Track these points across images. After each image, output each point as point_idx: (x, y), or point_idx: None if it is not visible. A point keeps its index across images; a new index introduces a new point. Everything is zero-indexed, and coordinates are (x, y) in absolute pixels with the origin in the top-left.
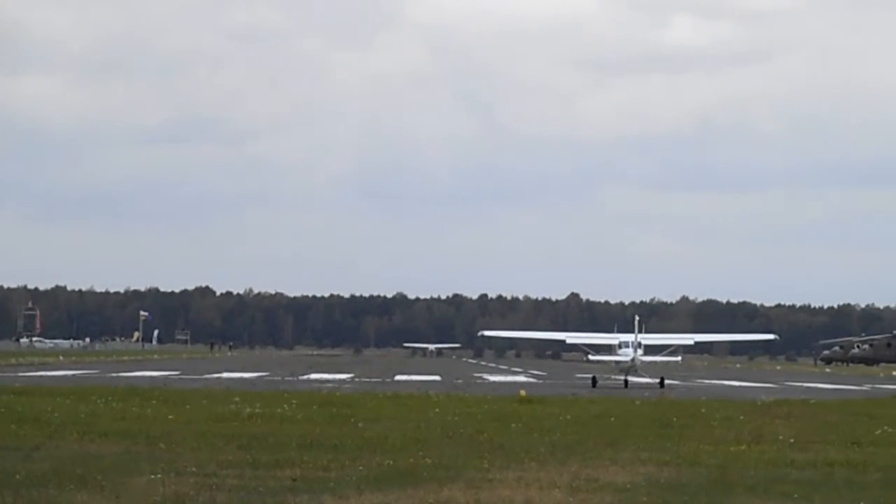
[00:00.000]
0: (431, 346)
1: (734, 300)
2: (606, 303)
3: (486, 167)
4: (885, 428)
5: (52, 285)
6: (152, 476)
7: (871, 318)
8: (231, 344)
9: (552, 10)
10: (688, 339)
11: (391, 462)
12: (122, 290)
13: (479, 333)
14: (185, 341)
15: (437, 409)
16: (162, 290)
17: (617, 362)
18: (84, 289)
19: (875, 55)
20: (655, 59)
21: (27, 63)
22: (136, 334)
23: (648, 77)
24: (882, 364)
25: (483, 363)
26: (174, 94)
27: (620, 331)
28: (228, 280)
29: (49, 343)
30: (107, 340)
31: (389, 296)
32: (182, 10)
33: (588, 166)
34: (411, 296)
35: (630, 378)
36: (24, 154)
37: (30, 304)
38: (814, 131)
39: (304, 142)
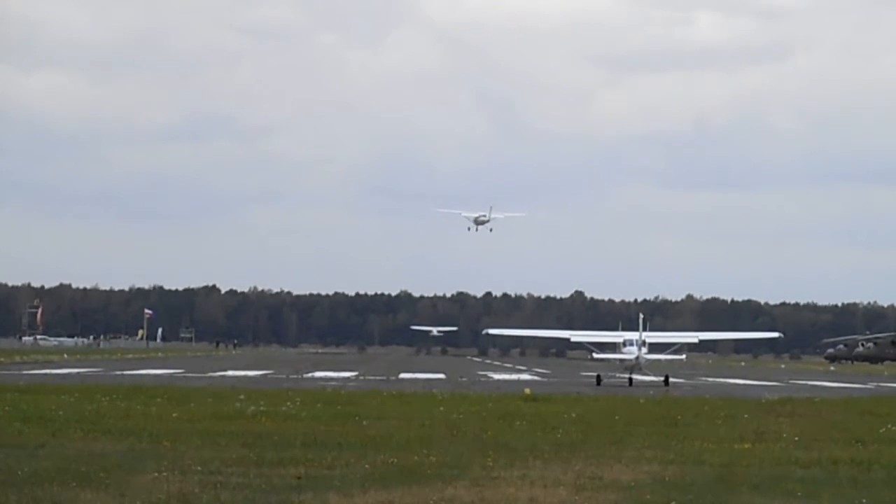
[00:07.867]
0: (434, 330)
1: (739, 298)
2: (611, 301)
3: (495, 165)
4: (890, 426)
5: (57, 283)
6: (156, 474)
7: (875, 317)
8: (235, 342)
9: (568, 6)
10: (692, 337)
11: (396, 460)
12: (126, 288)
13: (484, 332)
14: (190, 339)
15: (441, 408)
16: (166, 287)
17: (621, 360)
18: (88, 287)
19: (893, 53)
20: (672, 56)
21: (39, 60)
22: (141, 332)
23: (664, 74)
24: (887, 362)
25: (487, 361)
26: (186, 91)
27: (625, 329)
28: (233, 278)
29: (53, 341)
30: (111, 338)
31: (394, 294)
32: (196, 8)
33: (596, 164)
34: (416, 294)
35: (635, 376)
36: (32, 151)
37: (35, 302)
38: (823, 129)
39: (315, 139)
